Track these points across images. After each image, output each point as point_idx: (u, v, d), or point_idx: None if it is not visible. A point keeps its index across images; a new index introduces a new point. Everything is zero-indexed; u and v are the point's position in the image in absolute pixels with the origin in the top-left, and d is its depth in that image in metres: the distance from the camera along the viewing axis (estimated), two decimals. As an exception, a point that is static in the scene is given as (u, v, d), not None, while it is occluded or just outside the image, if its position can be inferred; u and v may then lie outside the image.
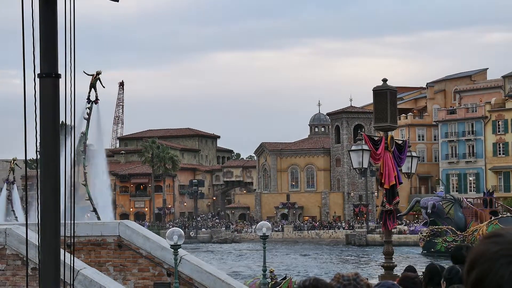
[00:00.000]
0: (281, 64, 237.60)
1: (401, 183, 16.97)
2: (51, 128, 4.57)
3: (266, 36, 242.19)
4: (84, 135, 42.23)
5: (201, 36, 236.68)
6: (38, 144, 4.66)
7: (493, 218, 64.32)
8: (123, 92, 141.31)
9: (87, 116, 42.21)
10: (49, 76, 4.55)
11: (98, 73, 42.57)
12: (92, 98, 42.62)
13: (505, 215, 65.41)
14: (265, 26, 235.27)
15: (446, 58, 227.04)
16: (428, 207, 66.69)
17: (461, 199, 70.08)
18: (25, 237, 9.52)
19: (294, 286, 31.25)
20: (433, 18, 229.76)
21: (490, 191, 74.58)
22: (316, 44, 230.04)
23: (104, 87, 43.03)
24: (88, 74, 42.01)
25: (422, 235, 67.10)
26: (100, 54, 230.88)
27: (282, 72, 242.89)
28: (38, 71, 4.57)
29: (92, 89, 41.94)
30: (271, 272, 34.15)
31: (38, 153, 4.75)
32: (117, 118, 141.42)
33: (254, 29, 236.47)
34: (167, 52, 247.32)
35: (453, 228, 64.39)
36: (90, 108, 42.04)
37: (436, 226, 65.34)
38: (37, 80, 4.57)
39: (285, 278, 32.35)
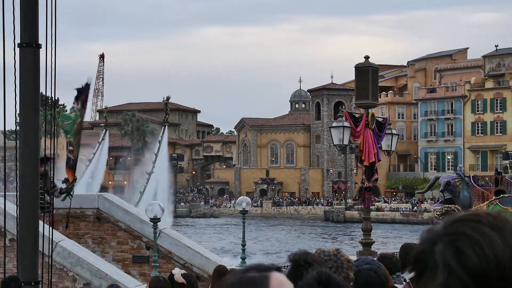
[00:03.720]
0: (264, 40, 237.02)
1: (380, 160, 17.06)
2: (31, 98, 4.51)
3: (250, 12, 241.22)
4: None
5: (186, 10, 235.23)
6: (17, 115, 4.61)
7: (494, 198, 64.07)
8: (103, 65, 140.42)
9: (160, 139, 46.29)
10: (29, 46, 4.49)
11: (168, 98, 46.23)
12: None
13: (506, 196, 65.10)
14: (250, 2, 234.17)
15: (429, 37, 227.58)
16: (441, 185, 66.31)
17: (470, 177, 69.73)
18: (3, 208, 9.45)
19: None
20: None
21: (498, 170, 74.58)
22: (300, 21, 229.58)
23: (168, 112, 47.44)
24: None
25: (436, 214, 67.03)
26: (82, 26, 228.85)
27: (265, 48, 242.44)
28: (18, 40, 4.50)
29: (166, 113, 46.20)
30: None
31: (17, 124, 4.70)
32: (97, 91, 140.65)
33: (239, 5, 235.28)
34: (150, 25, 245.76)
35: (459, 208, 63.86)
36: (163, 131, 46.17)
37: (447, 205, 64.93)
38: (17, 49, 4.51)
39: None
